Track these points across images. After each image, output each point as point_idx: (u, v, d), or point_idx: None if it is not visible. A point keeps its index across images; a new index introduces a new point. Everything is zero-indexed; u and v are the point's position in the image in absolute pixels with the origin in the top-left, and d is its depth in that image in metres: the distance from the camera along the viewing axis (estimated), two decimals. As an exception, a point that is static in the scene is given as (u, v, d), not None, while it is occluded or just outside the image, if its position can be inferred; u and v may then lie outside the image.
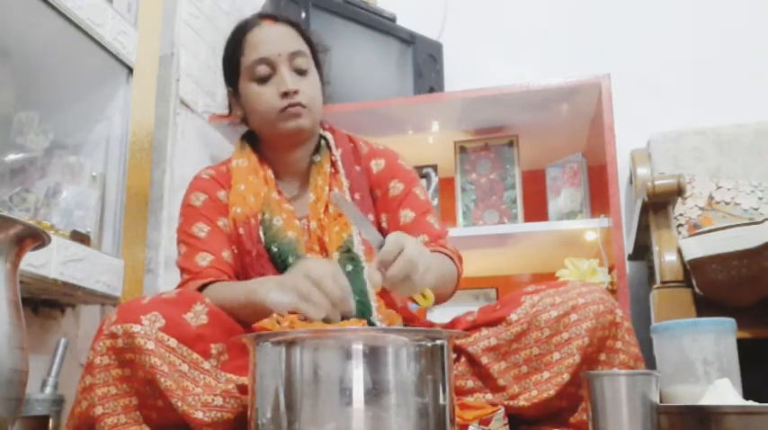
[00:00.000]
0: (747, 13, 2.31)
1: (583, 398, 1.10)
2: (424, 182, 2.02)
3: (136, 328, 0.99)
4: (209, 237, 1.26)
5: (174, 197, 1.87)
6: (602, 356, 1.15)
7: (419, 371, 0.83)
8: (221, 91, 2.16)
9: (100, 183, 1.65)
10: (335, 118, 1.46)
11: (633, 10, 2.40)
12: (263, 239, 1.25)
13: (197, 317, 1.07)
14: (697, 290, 1.44)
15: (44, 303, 1.56)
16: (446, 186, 2.22)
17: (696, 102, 2.26)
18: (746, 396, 1.05)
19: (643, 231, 1.72)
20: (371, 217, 1.31)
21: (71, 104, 1.66)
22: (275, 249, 1.24)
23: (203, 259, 1.23)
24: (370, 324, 1.17)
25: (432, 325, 1.30)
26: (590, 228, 1.91)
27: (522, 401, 1.13)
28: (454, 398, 0.90)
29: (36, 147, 1.57)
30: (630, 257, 1.92)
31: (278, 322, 0.95)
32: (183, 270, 1.25)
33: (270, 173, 1.33)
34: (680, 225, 1.85)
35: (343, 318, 1.08)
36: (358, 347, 0.81)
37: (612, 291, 1.78)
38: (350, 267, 1.22)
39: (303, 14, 2.02)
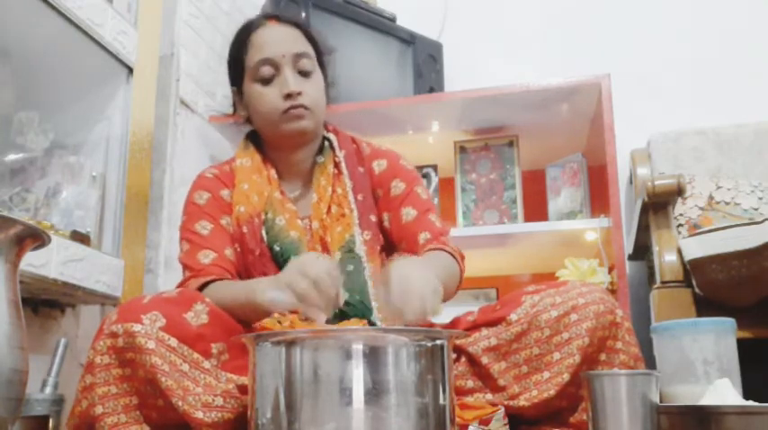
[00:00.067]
0: (747, 13, 2.31)
1: (583, 398, 1.10)
2: (424, 182, 2.02)
3: (136, 328, 0.99)
4: (212, 234, 1.26)
5: (173, 197, 1.87)
6: (603, 356, 1.15)
7: (419, 371, 0.83)
8: (221, 91, 2.17)
9: (100, 183, 1.65)
10: (335, 118, 1.46)
11: (633, 10, 2.40)
12: (265, 238, 1.25)
13: (197, 316, 1.07)
14: (697, 290, 1.44)
15: (44, 303, 1.56)
16: (446, 186, 2.22)
17: (696, 102, 2.26)
18: (746, 396, 1.05)
19: (643, 231, 1.72)
20: (374, 217, 1.31)
21: (71, 104, 1.66)
22: (277, 248, 1.24)
23: (206, 256, 1.23)
24: (371, 324, 1.17)
25: (432, 325, 1.30)
26: (590, 228, 1.91)
27: (522, 401, 1.13)
28: (454, 398, 0.90)
29: (36, 147, 1.57)
30: (630, 257, 1.92)
31: (279, 322, 0.95)
32: (185, 267, 1.25)
33: (273, 172, 1.34)
34: (680, 225, 1.85)
35: (342, 318, 1.08)
36: (358, 347, 0.81)
37: (612, 291, 1.78)
38: (351, 267, 1.22)
39: (303, 14, 2.01)
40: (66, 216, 1.55)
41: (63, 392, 1.31)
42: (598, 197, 1.99)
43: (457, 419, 1.03)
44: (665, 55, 2.34)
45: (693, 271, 1.43)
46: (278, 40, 1.29)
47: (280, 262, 1.24)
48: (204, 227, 1.27)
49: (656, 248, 1.55)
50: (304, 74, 1.29)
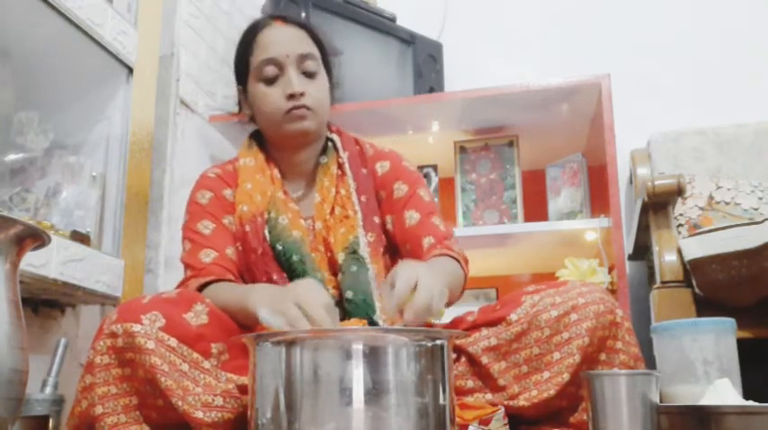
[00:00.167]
0: (747, 13, 2.31)
1: (583, 398, 1.10)
2: (426, 183, 2.02)
3: (136, 328, 0.99)
4: (214, 234, 1.26)
5: (173, 197, 1.87)
6: (603, 356, 1.15)
7: (419, 371, 0.83)
8: (221, 91, 2.17)
9: (100, 183, 1.65)
10: (335, 118, 1.46)
11: (633, 10, 2.40)
12: (268, 238, 1.26)
13: (197, 316, 1.07)
14: (697, 290, 1.44)
15: (44, 303, 1.56)
16: (446, 186, 2.22)
17: (696, 102, 2.26)
18: (746, 396, 1.05)
19: (643, 231, 1.72)
20: (377, 219, 1.31)
21: (71, 104, 1.66)
22: (280, 248, 1.24)
23: (207, 256, 1.23)
24: (373, 323, 1.17)
25: (432, 325, 1.30)
26: (590, 228, 1.91)
27: (522, 401, 1.13)
28: (454, 398, 0.90)
29: (36, 147, 1.57)
30: (630, 257, 1.92)
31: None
32: (186, 266, 1.25)
33: (276, 172, 1.34)
34: (680, 225, 1.85)
35: (343, 318, 1.08)
36: (358, 347, 0.81)
37: (612, 291, 1.78)
38: (354, 268, 1.22)
39: (303, 14, 2.01)
40: (66, 216, 1.55)
41: (63, 392, 1.31)
42: (598, 197, 1.99)
43: (457, 419, 1.03)
44: (665, 55, 2.34)
45: (693, 271, 1.43)
46: (283, 41, 1.29)
47: (282, 261, 1.24)
48: (206, 226, 1.27)
49: (656, 248, 1.55)
50: (308, 75, 1.29)
